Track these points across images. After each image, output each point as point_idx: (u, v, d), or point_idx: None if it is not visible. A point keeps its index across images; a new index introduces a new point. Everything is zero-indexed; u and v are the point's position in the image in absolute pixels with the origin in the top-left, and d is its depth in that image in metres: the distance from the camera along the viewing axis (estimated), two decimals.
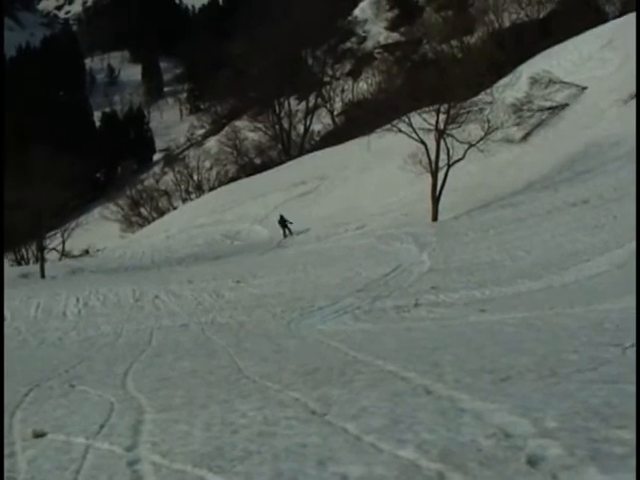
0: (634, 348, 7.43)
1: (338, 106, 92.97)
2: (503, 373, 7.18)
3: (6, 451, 6.98)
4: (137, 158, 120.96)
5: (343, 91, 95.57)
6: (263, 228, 47.41)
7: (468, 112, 36.98)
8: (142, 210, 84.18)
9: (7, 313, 26.36)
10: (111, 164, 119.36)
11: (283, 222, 43.05)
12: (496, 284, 17.84)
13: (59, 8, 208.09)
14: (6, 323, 24.66)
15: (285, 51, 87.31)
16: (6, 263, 67.75)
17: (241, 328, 16.70)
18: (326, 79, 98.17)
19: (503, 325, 11.41)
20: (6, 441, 7.43)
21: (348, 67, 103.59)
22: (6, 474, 6.18)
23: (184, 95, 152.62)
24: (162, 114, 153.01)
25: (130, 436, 6.77)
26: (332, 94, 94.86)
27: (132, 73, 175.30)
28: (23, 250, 64.31)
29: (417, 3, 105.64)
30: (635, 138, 30.91)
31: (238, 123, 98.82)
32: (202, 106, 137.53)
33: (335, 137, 75.53)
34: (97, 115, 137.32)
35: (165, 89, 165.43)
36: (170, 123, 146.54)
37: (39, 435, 7.49)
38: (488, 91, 41.71)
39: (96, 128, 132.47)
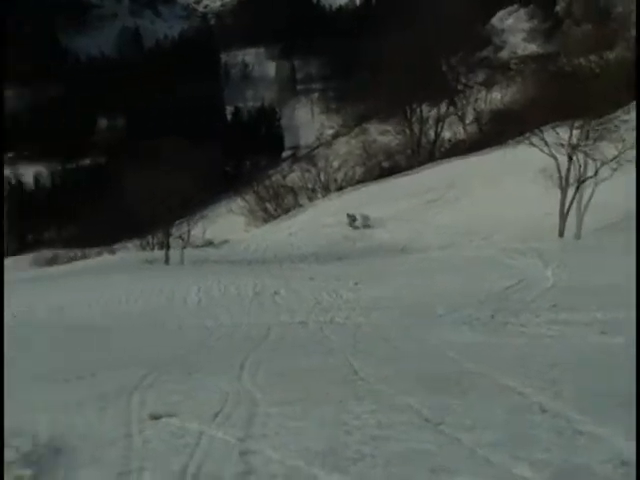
0: None
1: (470, 115, 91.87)
2: (622, 397, 6.92)
3: (123, 431, 7.16)
4: (266, 154, 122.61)
5: (476, 100, 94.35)
6: (385, 232, 47.23)
7: (604, 129, 35.95)
8: (267, 206, 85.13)
9: (130, 296, 27.15)
10: (240, 158, 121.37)
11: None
12: (619, 307, 17.24)
13: (198, 2, 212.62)
14: (127, 306, 25.40)
15: (420, 56, 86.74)
16: (132, 249, 69.87)
17: (358, 329, 16.66)
18: (459, 87, 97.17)
19: (624, 348, 11.01)
20: (123, 421, 7.62)
21: (482, 76, 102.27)
22: (122, 453, 6.32)
23: (316, 94, 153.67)
24: (293, 112, 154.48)
25: (244, 427, 6.83)
26: (464, 102, 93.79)
27: (266, 70, 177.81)
28: (150, 236, 66.14)
29: (557, 15, 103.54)
30: None
31: (368, 125, 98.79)
32: (333, 106, 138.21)
33: (466, 146, 74.63)
34: (229, 109, 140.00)
35: (298, 87, 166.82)
36: (301, 121, 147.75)
37: (155, 418, 7.65)
38: (626, 108, 40.40)
39: (227, 122, 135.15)
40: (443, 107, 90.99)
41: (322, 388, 8.86)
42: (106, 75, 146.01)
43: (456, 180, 55.57)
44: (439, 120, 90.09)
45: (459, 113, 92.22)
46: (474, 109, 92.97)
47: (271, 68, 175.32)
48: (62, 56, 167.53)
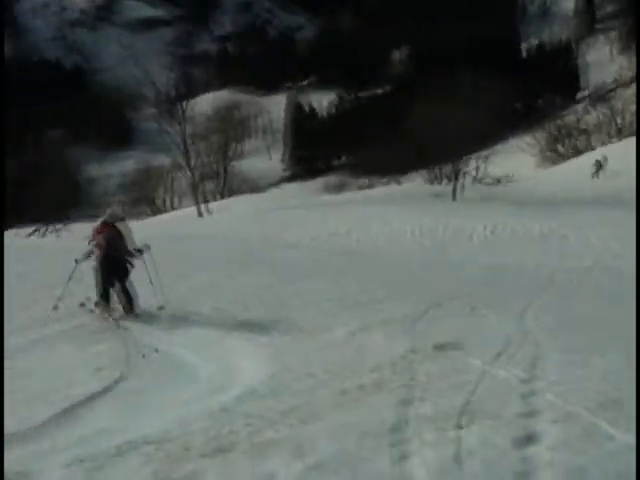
0: None
1: None
2: None
3: (406, 361, 7.32)
4: (560, 93, 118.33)
5: None
6: None
7: None
8: (559, 147, 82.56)
9: (416, 228, 27.53)
10: (533, 96, 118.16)
11: None
12: None
13: None
14: (413, 238, 25.79)
15: None
16: (419, 180, 70.53)
17: None
18: None
19: None
20: (403, 351, 7.77)
21: None
22: (406, 382, 6.48)
23: (616, 33, 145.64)
24: (592, 51, 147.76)
25: (527, 369, 6.79)
26: None
27: (565, 6, 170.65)
28: (438, 169, 66.48)
29: None
30: None
31: None
32: (634, 46, 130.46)
33: None
34: (524, 46, 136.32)
35: (597, 26, 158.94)
36: (599, 61, 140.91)
37: (439, 349, 7.78)
38: None
39: (522, 58, 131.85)
40: None
41: (608, 338, 8.58)
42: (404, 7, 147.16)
43: None
44: None
45: None
46: None
47: (570, 4, 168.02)
48: None
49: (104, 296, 10.84)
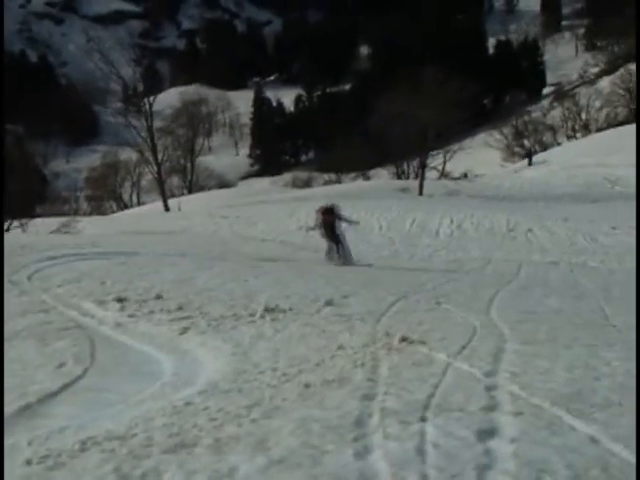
0: None
1: None
2: None
3: (370, 355, 7.33)
4: (526, 89, 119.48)
5: None
6: None
7: None
8: (525, 142, 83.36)
9: (383, 223, 27.64)
10: (499, 92, 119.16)
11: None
12: None
13: None
14: (381, 232, 25.88)
15: None
16: (386, 176, 70.79)
17: (611, 275, 16.09)
18: None
19: None
20: (368, 345, 7.79)
21: None
22: (370, 376, 6.49)
23: (582, 31, 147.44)
24: (557, 48, 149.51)
25: (490, 362, 6.82)
26: None
27: (531, 4, 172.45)
28: (405, 165, 66.85)
29: None
30: None
31: (634, 66, 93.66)
32: (599, 44, 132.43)
33: None
34: (491, 42, 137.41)
35: (563, 23, 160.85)
36: (564, 58, 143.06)
37: (403, 342, 7.79)
38: None
39: (489, 55, 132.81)
40: None
41: (572, 331, 8.67)
42: (370, 4, 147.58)
43: None
44: None
45: None
46: None
47: (536, 1, 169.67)
48: None
49: (330, 252, 17.52)
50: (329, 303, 10.52)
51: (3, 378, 6.68)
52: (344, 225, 18.15)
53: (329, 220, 17.47)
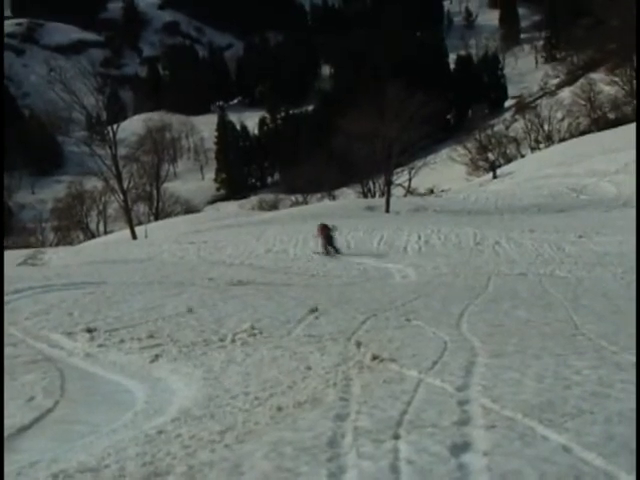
0: None
1: None
2: None
3: (341, 375, 7.33)
4: (489, 103, 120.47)
5: None
6: (611, 185, 45.22)
7: None
8: (489, 155, 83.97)
9: (351, 242, 27.70)
10: (462, 106, 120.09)
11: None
12: None
13: None
14: (348, 251, 25.92)
15: None
16: (353, 195, 70.96)
17: (579, 284, 16.20)
18: None
19: None
20: (340, 365, 7.80)
21: None
22: (343, 396, 6.49)
23: (540, 43, 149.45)
24: (517, 61, 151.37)
25: (462, 376, 6.85)
26: None
27: (489, 18, 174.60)
28: (370, 183, 67.06)
29: None
30: None
31: (594, 75, 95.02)
32: (558, 55, 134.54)
33: None
34: (452, 57, 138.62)
35: (522, 36, 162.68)
36: (524, 70, 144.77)
37: (374, 360, 7.81)
38: None
39: (450, 70, 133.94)
40: None
41: (541, 341, 8.73)
42: (330, 24, 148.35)
43: None
44: None
45: None
46: None
47: (494, 16, 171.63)
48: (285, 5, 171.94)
49: (327, 250, 25.34)
50: (301, 321, 10.56)
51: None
52: (336, 233, 26.82)
53: (326, 232, 26.08)
